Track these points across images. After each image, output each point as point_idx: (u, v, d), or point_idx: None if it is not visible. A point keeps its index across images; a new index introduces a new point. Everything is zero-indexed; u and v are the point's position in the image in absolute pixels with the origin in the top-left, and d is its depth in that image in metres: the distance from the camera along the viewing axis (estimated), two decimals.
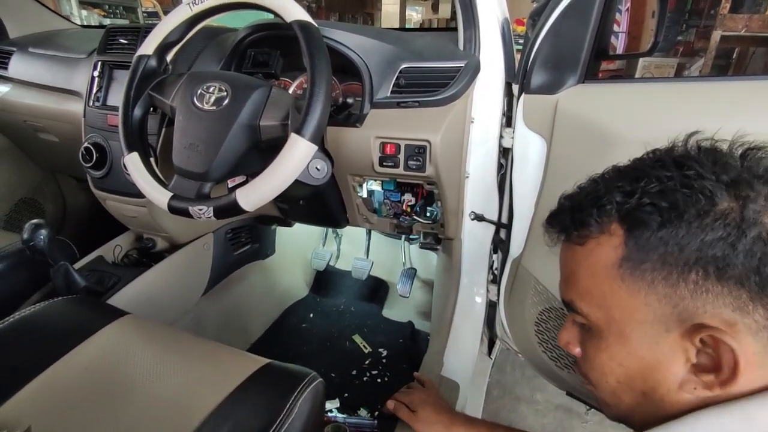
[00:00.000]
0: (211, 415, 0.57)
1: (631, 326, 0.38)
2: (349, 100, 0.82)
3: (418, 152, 0.82)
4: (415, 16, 8.67)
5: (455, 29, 0.98)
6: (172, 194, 0.69)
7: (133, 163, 0.73)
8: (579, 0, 0.74)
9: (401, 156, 0.83)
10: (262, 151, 0.74)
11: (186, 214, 0.67)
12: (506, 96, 0.92)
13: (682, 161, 0.37)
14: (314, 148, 0.64)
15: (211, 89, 0.70)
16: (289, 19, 0.67)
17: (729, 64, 3.19)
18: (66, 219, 1.56)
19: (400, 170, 0.84)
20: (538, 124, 0.84)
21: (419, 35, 0.95)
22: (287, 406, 0.57)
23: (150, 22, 1.67)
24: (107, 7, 4.21)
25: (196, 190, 0.69)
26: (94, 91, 0.98)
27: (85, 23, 3.79)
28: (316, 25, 0.67)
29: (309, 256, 1.44)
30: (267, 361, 0.68)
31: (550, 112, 0.81)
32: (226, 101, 0.69)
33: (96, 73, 0.98)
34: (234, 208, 0.65)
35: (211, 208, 0.66)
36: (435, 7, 8.44)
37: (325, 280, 1.48)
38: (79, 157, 0.96)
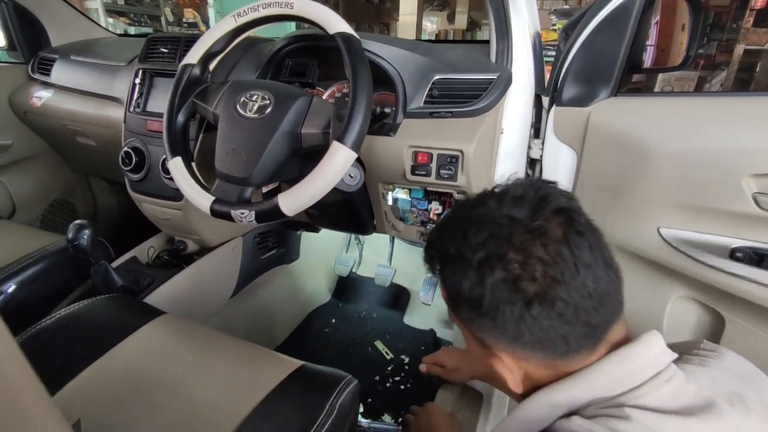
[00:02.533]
0: (250, 416, 0.58)
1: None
2: (386, 110, 0.84)
3: (450, 161, 0.84)
4: (431, 26, 8.73)
5: (484, 42, 1.00)
6: (214, 198, 0.71)
7: (176, 168, 0.76)
8: (615, 15, 0.75)
9: (433, 165, 0.85)
10: (301, 158, 0.76)
11: (228, 217, 0.70)
12: (535, 108, 0.93)
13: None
14: (354, 155, 0.66)
15: (254, 97, 0.73)
16: (332, 31, 0.69)
17: (752, 78, 3.16)
18: (97, 220, 1.61)
19: (432, 179, 0.86)
20: (569, 136, 0.86)
21: (451, 47, 0.97)
22: (326, 407, 0.58)
23: (190, 32, 1.72)
24: (132, 15, 4.33)
25: (238, 194, 0.71)
26: (135, 97, 1.02)
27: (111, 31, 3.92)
28: (358, 38, 0.69)
29: (332, 261, 1.46)
30: (301, 363, 0.69)
31: (582, 124, 0.82)
32: (269, 109, 0.71)
33: (137, 80, 1.02)
34: (276, 213, 0.67)
35: (253, 212, 0.68)
36: (451, 18, 8.50)
37: (347, 286, 1.49)
38: (118, 161, 0.99)
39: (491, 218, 0.41)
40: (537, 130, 0.95)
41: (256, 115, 0.71)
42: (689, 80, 3.21)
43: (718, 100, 0.74)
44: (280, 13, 0.74)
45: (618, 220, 0.82)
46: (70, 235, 0.84)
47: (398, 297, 1.44)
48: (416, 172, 0.86)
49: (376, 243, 1.47)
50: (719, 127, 0.69)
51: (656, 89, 3.01)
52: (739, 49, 2.64)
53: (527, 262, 0.38)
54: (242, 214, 0.68)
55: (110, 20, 3.98)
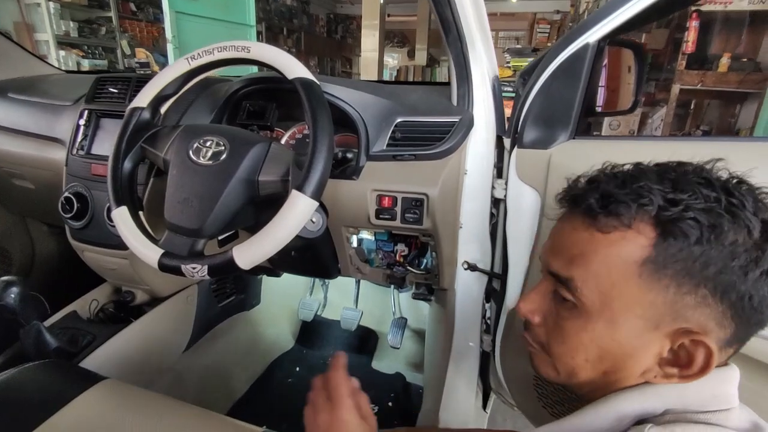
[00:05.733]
0: None
1: (625, 317, 0.40)
2: (349, 155, 0.82)
3: (415, 205, 0.82)
4: (392, 62, 9.03)
5: (444, 84, 1.01)
6: (162, 251, 0.66)
7: (121, 218, 0.70)
8: (569, 62, 0.77)
9: (398, 209, 0.83)
10: (257, 205, 0.72)
11: (178, 272, 0.64)
12: (497, 148, 0.94)
13: (729, 188, 0.39)
14: (315, 204, 0.63)
15: (208, 143, 0.69)
16: (290, 76, 0.67)
17: (688, 114, 3.42)
18: (34, 266, 1.47)
19: (397, 223, 0.84)
20: (532, 178, 0.86)
21: (412, 89, 0.97)
22: None
23: (142, 72, 1.66)
24: (86, 48, 4.20)
25: (189, 247, 0.66)
26: (79, 139, 0.95)
27: (63, 63, 3.77)
28: (318, 83, 0.68)
29: (295, 305, 1.39)
30: (261, 430, 0.63)
31: (544, 166, 0.83)
32: (224, 156, 0.67)
33: (82, 122, 0.95)
34: (230, 267, 0.62)
35: (206, 267, 0.63)
36: (411, 55, 8.84)
37: (311, 330, 1.42)
38: (58, 207, 0.91)
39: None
40: (500, 170, 0.95)
41: (210, 162, 0.67)
42: (634, 116, 3.44)
43: (675, 143, 0.77)
44: (236, 57, 0.72)
45: None
46: None
47: (365, 340, 1.38)
48: (381, 216, 0.84)
49: (341, 284, 1.42)
50: None
51: (604, 125, 3.19)
52: (675, 88, 2.86)
53: None
54: (194, 268, 0.63)
55: (62, 53, 3.84)
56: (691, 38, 2.69)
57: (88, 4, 4.15)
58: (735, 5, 2.52)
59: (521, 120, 0.86)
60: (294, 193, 0.61)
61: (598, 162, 0.78)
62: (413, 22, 8.58)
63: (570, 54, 0.77)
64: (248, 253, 0.61)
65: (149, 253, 0.66)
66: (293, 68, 0.68)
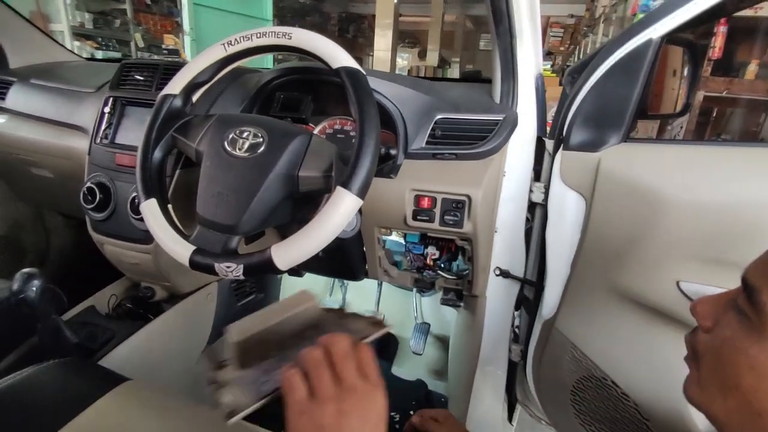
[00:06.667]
0: None
1: None
2: (392, 152, 0.78)
3: (455, 207, 0.78)
4: (401, 62, 9.00)
5: (484, 81, 0.97)
6: (194, 248, 0.61)
7: (151, 211, 0.66)
8: (628, 59, 0.73)
9: (437, 210, 0.79)
10: (294, 202, 0.68)
11: (210, 271, 0.60)
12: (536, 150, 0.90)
13: None
14: (360, 203, 0.58)
15: (245, 134, 0.65)
16: (335, 65, 0.63)
17: (708, 122, 3.36)
18: (48, 259, 1.44)
19: (435, 225, 0.79)
20: (577, 182, 0.82)
21: (451, 86, 0.93)
22: None
23: (171, 59, 1.62)
24: (100, 39, 4.19)
25: (223, 244, 0.62)
26: (103, 127, 0.92)
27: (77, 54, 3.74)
28: (365, 73, 0.64)
29: None
30: None
31: (591, 170, 0.79)
32: (262, 148, 0.63)
33: (107, 109, 0.92)
34: (267, 267, 0.58)
35: (241, 266, 0.59)
36: (422, 55, 8.79)
37: None
38: (79, 198, 0.88)
39: None
40: (537, 173, 0.91)
41: (246, 155, 0.63)
42: (652, 122, 3.37)
43: (737, 150, 0.72)
44: (276, 44, 0.68)
45: (632, 272, 0.78)
46: (15, 286, 0.72)
47: (386, 345, 1.34)
48: (418, 217, 0.80)
49: (361, 286, 1.38)
50: (742, 178, 0.66)
51: None
52: (699, 95, 2.79)
53: None
54: (228, 267, 0.59)
55: (76, 43, 3.82)
56: (718, 44, 2.62)
57: None
58: (765, 11, 2.46)
59: (568, 120, 0.81)
60: (339, 190, 0.57)
61: (652, 167, 0.74)
62: (425, 22, 8.56)
63: (630, 50, 0.72)
64: (288, 253, 0.57)
65: (180, 249, 0.62)
66: (338, 56, 0.63)
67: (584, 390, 0.82)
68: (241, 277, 0.60)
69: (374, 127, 0.60)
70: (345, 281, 1.39)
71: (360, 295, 1.40)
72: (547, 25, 7.79)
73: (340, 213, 0.57)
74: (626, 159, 0.76)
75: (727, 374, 0.36)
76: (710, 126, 3.36)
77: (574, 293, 0.83)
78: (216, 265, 0.59)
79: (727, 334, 0.37)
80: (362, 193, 0.58)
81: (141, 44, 4.41)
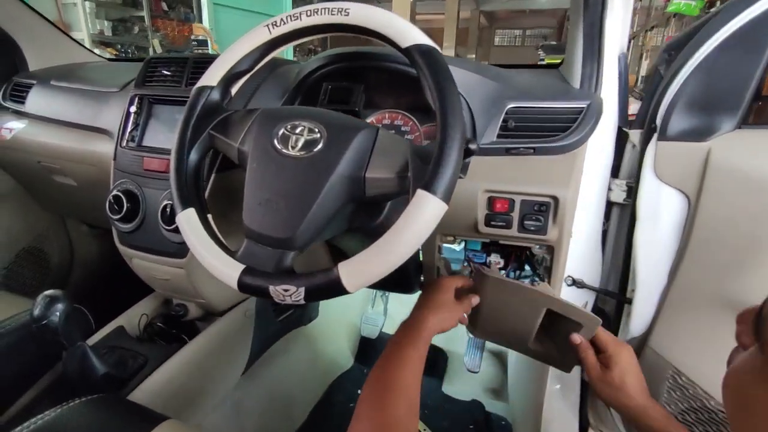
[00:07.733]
0: None
1: None
2: (472, 146, 0.67)
3: (538, 210, 0.66)
4: None
5: (550, 66, 0.85)
6: (243, 266, 0.51)
7: (189, 223, 0.56)
8: (747, 30, 0.61)
9: (515, 214, 0.67)
10: (356, 208, 0.58)
11: (264, 294, 0.50)
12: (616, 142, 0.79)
13: None
14: (445, 208, 0.47)
15: (298, 129, 0.54)
16: (405, 44, 0.52)
17: None
18: (73, 270, 1.36)
19: (513, 231, 0.68)
20: (678, 177, 0.70)
21: (517, 72, 0.81)
22: None
23: (201, 52, 1.54)
24: (119, 46, 4.19)
25: (276, 262, 0.52)
26: (129, 129, 0.83)
27: (99, 55, 3.75)
28: (441, 51, 0.53)
29: (353, 318, 1.24)
30: None
31: (698, 163, 0.67)
32: (320, 146, 0.53)
33: (133, 109, 0.83)
34: (335, 290, 0.47)
35: (302, 289, 0.48)
36: None
37: (371, 347, 1.27)
38: (105, 207, 0.79)
39: None
40: (615, 169, 0.80)
41: (301, 153, 0.53)
42: None
43: None
44: (330, 23, 0.57)
45: (751, 284, 0.65)
46: (37, 311, 0.63)
47: (434, 361, 1.23)
48: (492, 222, 0.68)
49: (403, 296, 1.27)
50: None
51: None
52: None
53: None
54: (286, 291, 0.48)
55: (96, 51, 3.82)
56: None
57: (122, 2, 4.14)
58: None
59: (665, 105, 0.69)
60: (421, 194, 0.46)
61: None
62: (440, 20, 8.45)
63: (751, 18, 0.60)
64: (362, 272, 0.47)
65: (226, 269, 0.52)
66: (409, 33, 0.52)
67: (694, 424, 0.70)
68: (302, 302, 0.49)
69: (459, 117, 0.49)
70: (386, 292, 1.29)
71: (403, 306, 1.29)
72: (564, 18, 7.59)
73: (425, 220, 0.46)
74: (745, 148, 0.64)
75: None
76: None
77: (674, 307, 0.71)
78: (271, 288, 0.49)
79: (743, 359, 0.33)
80: (447, 197, 0.47)
81: (159, 49, 4.41)
